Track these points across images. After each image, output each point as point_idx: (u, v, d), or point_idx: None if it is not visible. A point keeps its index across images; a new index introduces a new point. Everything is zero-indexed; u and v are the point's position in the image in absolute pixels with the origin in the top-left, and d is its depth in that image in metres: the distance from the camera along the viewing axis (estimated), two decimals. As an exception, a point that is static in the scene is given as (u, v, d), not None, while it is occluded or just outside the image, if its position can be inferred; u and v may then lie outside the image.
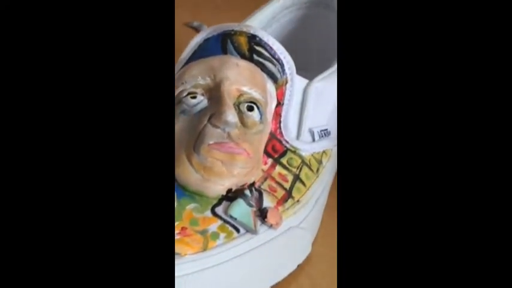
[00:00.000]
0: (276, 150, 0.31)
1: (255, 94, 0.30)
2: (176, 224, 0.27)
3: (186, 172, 0.28)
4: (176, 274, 0.25)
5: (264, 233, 0.28)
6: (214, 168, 0.28)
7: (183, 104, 0.30)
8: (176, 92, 0.30)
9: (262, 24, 0.38)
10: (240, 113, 0.29)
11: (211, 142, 0.28)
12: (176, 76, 0.31)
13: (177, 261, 0.26)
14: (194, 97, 0.30)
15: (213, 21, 0.35)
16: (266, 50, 0.31)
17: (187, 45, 0.33)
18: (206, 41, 0.32)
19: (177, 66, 0.32)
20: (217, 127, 0.28)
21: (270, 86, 0.31)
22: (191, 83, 0.30)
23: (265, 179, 0.30)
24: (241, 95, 0.30)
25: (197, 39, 0.32)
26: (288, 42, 0.35)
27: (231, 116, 0.29)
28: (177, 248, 0.26)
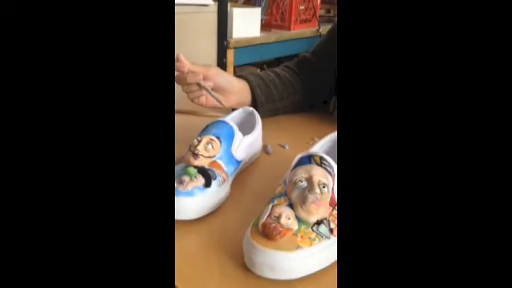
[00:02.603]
0: (331, 204, 0.69)
1: (325, 180, 0.69)
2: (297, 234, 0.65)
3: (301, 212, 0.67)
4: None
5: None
6: (312, 211, 0.66)
7: (297, 184, 0.69)
8: (293, 180, 0.70)
9: (323, 149, 0.82)
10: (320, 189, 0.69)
11: (310, 200, 0.67)
12: (290, 174, 0.72)
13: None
14: (301, 181, 0.69)
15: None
16: (326, 161, 0.72)
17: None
18: (301, 158, 0.74)
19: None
20: (312, 193, 0.67)
21: (329, 176, 0.70)
22: (299, 177, 0.70)
23: (330, 215, 0.68)
24: (319, 181, 0.69)
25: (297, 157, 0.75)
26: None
27: (317, 191, 0.68)
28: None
